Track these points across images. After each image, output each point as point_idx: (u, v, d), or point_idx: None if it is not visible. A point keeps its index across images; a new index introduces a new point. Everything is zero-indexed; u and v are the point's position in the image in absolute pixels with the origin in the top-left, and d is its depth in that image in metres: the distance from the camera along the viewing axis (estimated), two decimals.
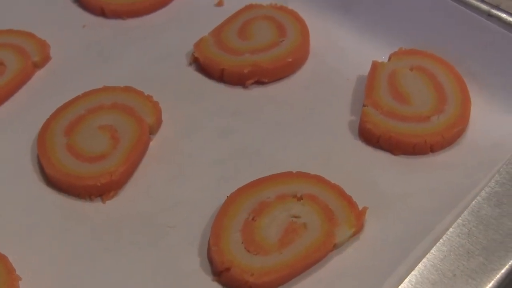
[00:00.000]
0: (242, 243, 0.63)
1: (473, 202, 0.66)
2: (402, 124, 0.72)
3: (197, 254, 0.64)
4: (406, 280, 0.62)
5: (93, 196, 0.68)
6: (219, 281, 0.63)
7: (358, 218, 0.65)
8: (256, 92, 0.77)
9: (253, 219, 0.65)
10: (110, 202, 0.68)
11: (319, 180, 0.67)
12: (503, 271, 0.61)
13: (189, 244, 0.65)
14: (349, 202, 0.66)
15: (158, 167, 0.71)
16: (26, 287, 0.62)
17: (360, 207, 0.66)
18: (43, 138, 0.71)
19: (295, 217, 0.65)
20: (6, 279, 0.60)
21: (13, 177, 0.71)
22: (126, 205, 0.68)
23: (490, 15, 0.76)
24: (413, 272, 0.62)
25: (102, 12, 0.85)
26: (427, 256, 0.63)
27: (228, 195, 0.67)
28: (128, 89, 0.75)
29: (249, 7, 0.83)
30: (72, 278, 0.63)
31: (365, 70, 0.77)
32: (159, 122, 0.74)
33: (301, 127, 0.74)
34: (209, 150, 0.72)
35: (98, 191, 0.68)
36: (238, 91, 0.78)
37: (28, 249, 0.65)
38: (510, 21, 0.75)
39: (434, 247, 0.63)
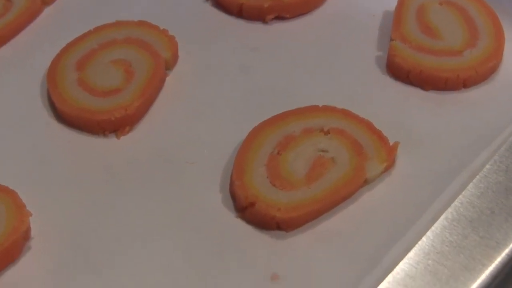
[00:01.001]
0: (267, 177, 0.59)
1: (510, 139, 0.63)
2: (433, 58, 0.68)
3: (218, 191, 0.61)
4: (442, 217, 0.58)
5: (107, 131, 0.64)
6: (243, 218, 0.59)
7: (389, 153, 0.61)
8: (277, 28, 0.73)
9: (278, 153, 0.61)
10: (125, 138, 0.65)
11: (346, 114, 0.64)
12: None
13: (210, 181, 0.61)
14: (379, 136, 0.62)
15: (175, 103, 0.67)
16: (36, 223, 0.58)
17: (391, 143, 0.62)
18: (53, 73, 0.67)
19: (323, 151, 0.61)
20: (16, 214, 0.57)
21: (23, 114, 0.67)
22: (142, 141, 0.64)
23: None
24: (448, 209, 0.58)
25: None
26: (463, 193, 0.59)
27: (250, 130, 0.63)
28: (142, 23, 0.71)
29: None
30: (85, 216, 0.59)
31: (391, 5, 0.73)
32: (175, 57, 0.70)
33: (325, 64, 0.70)
34: (228, 86, 0.68)
35: (112, 126, 0.64)
36: (258, 26, 0.73)
37: (39, 186, 0.61)
38: None
39: (471, 183, 0.60)
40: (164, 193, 0.60)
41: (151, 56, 0.68)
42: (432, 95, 0.67)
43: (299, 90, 0.68)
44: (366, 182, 0.60)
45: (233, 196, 0.59)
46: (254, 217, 0.58)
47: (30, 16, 0.74)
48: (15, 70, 0.70)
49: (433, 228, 0.57)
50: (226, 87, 0.68)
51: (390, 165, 0.61)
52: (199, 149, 0.63)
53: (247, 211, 0.58)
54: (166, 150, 0.63)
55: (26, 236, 0.57)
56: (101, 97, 0.65)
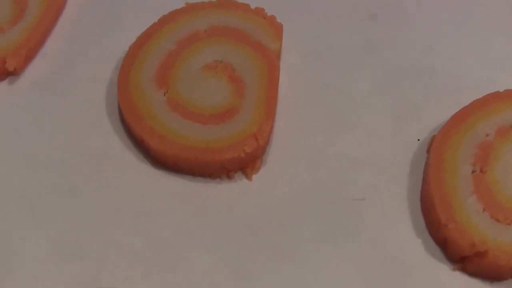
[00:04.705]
0: (483, 210, 0.43)
1: None
2: None
3: (414, 235, 0.44)
4: None
5: (232, 172, 0.46)
6: (464, 270, 0.43)
7: None
8: None
9: (481, 170, 0.45)
10: (257, 176, 0.46)
11: None
12: None
13: (396, 222, 0.45)
14: None
15: (299, 112, 0.49)
16: None
17: None
18: (127, 96, 0.47)
19: None
20: None
21: (94, 157, 0.47)
22: (281, 177, 0.46)
23: None
24: None
25: None
26: None
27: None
28: (226, 3, 0.51)
29: None
30: None
31: None
32: (281, 46, 0.51)
33: (475, 27, 0.54)
34: (360, 75, 0.51)
35: (239, 164, 0.46)
36: None
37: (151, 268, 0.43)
38: None
39: None
40: (335, 249, 0.44)
41: (256, 51, 0.49)
42: None
43: (451, 68, 0.51)
44: None
45: (444, 242, 0.43)
46: (483, 269, 0.43)
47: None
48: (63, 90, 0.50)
49: None
50: (358, 76, 0.50)
51: None
52: (362, 176, 0.46)
53: (472, 262, 0.43)
54: (317, 184, 0.46)
55: None
56: (212, 124, 0.46)
